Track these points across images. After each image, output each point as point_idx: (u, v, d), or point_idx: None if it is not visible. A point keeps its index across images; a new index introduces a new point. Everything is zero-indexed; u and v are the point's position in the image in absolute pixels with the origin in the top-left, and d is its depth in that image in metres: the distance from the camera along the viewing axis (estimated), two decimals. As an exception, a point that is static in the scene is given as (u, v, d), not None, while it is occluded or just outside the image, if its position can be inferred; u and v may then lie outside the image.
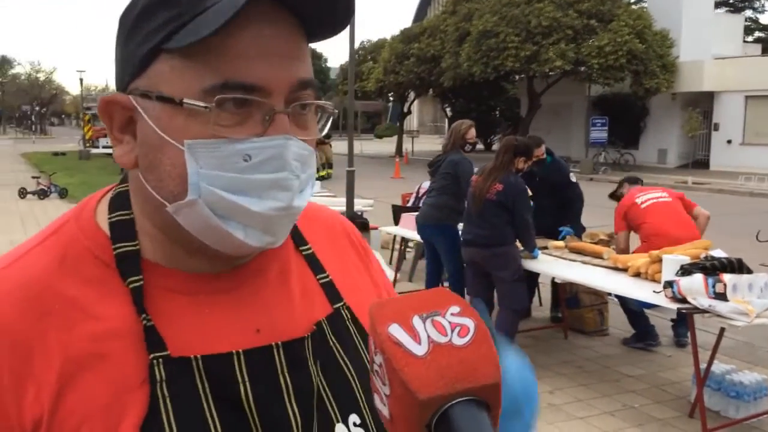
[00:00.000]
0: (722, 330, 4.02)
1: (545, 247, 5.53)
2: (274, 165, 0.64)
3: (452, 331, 0.54)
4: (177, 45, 0.61)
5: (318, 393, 0.71)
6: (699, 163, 25.51)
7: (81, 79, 38.78)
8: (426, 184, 7.23)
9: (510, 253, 4.94)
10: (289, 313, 0.74)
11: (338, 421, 0.72)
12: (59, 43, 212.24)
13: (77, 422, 0.62)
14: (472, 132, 5.76)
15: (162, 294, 0.68)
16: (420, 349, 0.52)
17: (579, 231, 5.96)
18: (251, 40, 0.62)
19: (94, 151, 30.28)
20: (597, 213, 8.94)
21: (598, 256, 5.18)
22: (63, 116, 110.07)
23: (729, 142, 24.91)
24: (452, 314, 0.55)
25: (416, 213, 6.11)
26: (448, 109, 36.36)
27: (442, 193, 5.60)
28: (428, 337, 0.53)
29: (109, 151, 27.03)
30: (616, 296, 5.44)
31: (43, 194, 15.01)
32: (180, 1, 0.62)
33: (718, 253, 4.35)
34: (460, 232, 5.29)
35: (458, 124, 5.81)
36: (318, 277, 0.79)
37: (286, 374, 0.69)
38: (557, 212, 5.92)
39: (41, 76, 76.21)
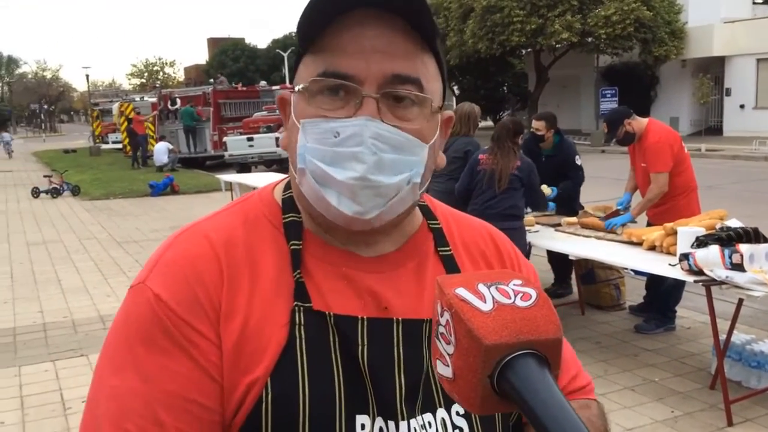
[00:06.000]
0: (741, 300, 3.97)
1: (558, 224, 5.50)
2: (355, 141, 0.75)
3: (515, 296, 0.57)
4: (302, 49, 0.79)
5: (427, 374, 0.81)
6: (712, 129, 25.24)
7: (87, 75, 38.94)
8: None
9: (523, 228, 5.04)
10: (417, 301, 0.83)
11: (440, 406, 0.81)
12: (64, 41, 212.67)
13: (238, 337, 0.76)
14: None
15: (313, 260, 0.82)
16: (485, 306, 0.56)
17: (575, 211, 5.85)
18: (351, 38, 0.75)
19: (104, 146, 30.39)
20: (604, 184, 8.84)
21: (612, 231, 5.13)
22: (71, 113, 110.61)
23: (742, 106, 24.62)
24: (515, 284, 0.59)
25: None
26: (455, 88, 36.14)
27: (451, 179, 5.51)
28: (493, 298, 0.57)
29: (119, 146, 27.33)
30: (647, 280, 5.36)
31: (55, 193, 15.10)
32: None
33: (734, 222, 4.29)
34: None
35: (471, 108, 5.72)
36: None
37: (401, 348, 0.80)
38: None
39: (48, 74, 76.64)
